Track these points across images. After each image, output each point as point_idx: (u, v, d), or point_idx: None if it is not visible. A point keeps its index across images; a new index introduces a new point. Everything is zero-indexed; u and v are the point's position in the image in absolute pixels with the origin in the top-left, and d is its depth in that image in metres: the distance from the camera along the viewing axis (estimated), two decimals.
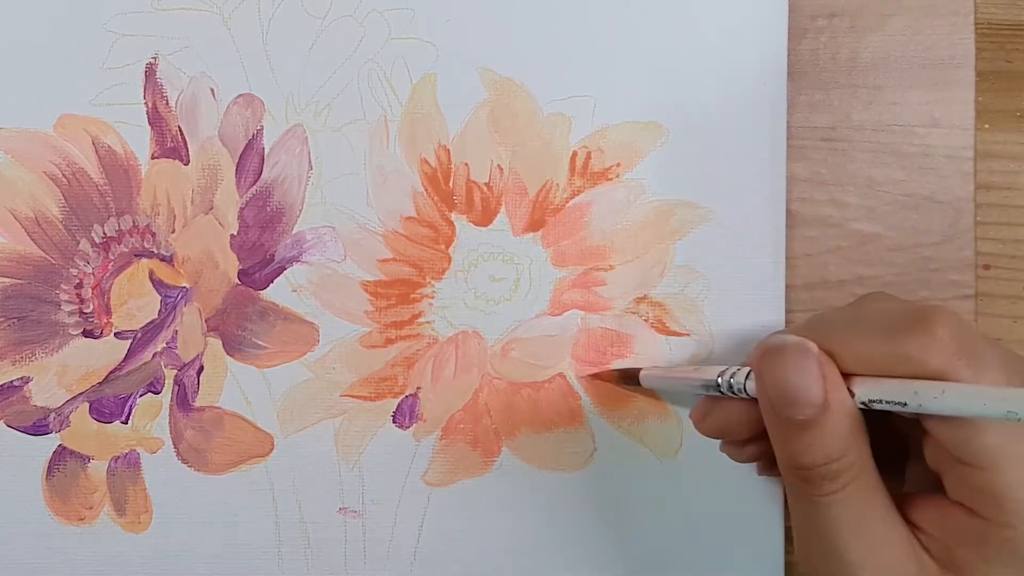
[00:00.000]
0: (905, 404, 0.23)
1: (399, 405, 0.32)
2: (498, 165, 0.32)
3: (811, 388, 0.24)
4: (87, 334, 0.32)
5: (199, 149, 0.32)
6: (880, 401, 0.24)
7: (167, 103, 0.32)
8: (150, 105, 0.32)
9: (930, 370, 0.23)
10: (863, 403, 0.24)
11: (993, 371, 0.23)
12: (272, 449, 0.32)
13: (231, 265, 0.32)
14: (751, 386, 0.27)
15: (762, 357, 0.26)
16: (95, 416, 0.32)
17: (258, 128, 0.32)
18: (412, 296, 0.32)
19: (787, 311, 0.32)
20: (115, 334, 0.32)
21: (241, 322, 0.32)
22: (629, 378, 0.32)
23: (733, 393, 0.27)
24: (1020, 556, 0.23)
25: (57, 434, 0.32)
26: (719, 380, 0.28)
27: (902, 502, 0.25)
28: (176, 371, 0.32)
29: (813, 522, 0.25)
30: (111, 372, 0.32)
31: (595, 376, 0.32)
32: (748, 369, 0.27)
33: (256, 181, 0.32)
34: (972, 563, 0.24)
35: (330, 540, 0.32)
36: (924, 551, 0.24)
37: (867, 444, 0.25)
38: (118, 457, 0.32)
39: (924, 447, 0.25)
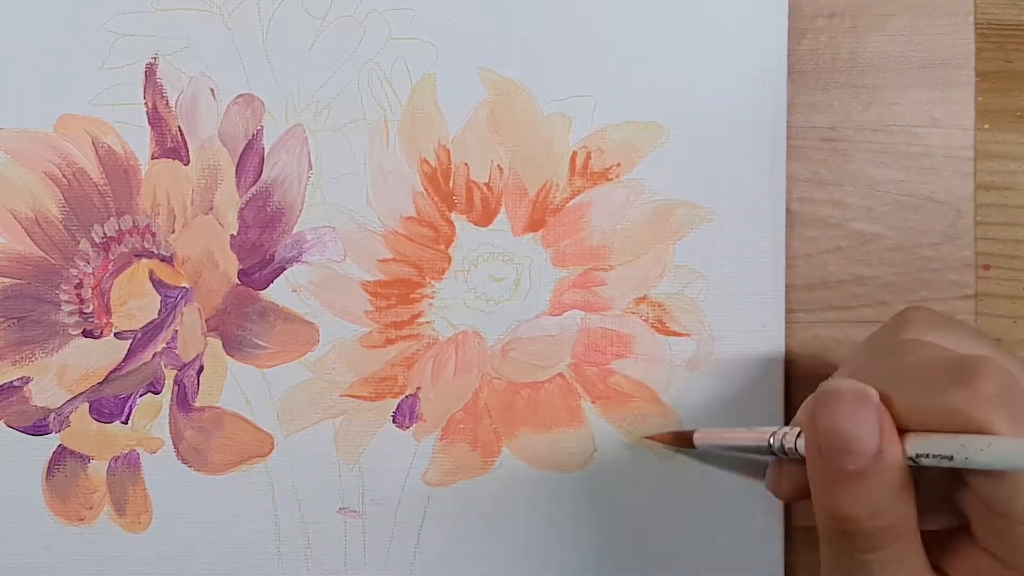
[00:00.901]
0: (951, 458, 0.23)
1: (399, 405, 0.32)
2: (498, 165, 0.32)
3: (867, 438, 0.23)
4: (87, 334, 0.32)
5: (199, 149, 0.32)
6: (927, 456, 0.23)
7: (167, 103, 0.32)
8: (150, 105, 0.32)
9: (975, 423, 0.22)
10: (911, 458, 0.24)
11: None
12: (272, 449, 0.32)
13: (231, 265, 0.32)
14: (801, 444, 0.26)
15: (818, 400, 0.25)
16: (95, 416, 0.32)
17: (258, 128, 0.32)
18: (412, 296, 0.32)
19: (787, 311, 0.32)
20: (115, 334, 0.32)
21: (241, 322, 0.32)
22: (683, 440, 0.32)
23: (785, 453, 0.27)
24: None
25: (57, 434, 0.32)
26: (771, 441, 0.27)
27: (931, 549, 0.25)
28: (176, 371, 0.32)
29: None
30: (111, 372, 0.32)
31: (650, 438, 0.32)
32: (798, 429, 0.26)
33: (256, 181, 0.32)
34: None
35: (330, 540, 0.32)
36: None
37: (913, 504, 0.24)
38: (118, 457, 0.32)
39: (955, 495, 0.25)
